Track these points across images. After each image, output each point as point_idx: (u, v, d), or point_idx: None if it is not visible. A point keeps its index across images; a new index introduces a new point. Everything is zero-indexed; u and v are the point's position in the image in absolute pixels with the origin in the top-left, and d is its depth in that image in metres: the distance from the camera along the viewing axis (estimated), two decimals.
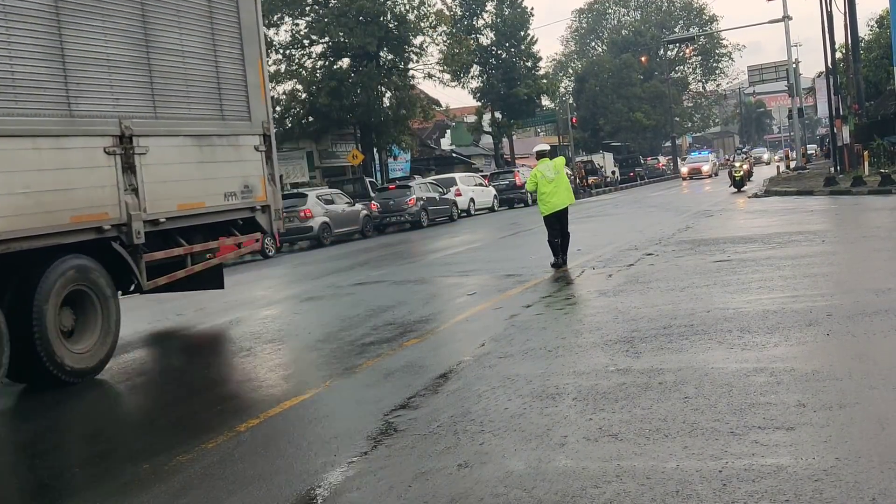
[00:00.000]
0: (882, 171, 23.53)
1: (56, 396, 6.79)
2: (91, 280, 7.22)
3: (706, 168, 49.67)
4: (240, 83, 9.33)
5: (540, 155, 12.26)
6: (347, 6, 35.80)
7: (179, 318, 11.28)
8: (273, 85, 38.03)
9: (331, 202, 24.57)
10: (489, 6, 49.54)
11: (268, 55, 38.00)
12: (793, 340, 6.06)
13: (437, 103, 48.40)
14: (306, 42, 38.38)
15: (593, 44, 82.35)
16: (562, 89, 68.72)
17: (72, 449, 5.68)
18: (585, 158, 52.70)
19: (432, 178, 34.45)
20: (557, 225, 11.90)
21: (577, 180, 39.34)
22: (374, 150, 40.16)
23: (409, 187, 27.83)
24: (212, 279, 9.70)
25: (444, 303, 10.13)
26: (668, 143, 71.95)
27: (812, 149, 51.96)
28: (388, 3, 37.22)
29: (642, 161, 60.84)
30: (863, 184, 22.07)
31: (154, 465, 4.74)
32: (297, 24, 38.15)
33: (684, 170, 49.79)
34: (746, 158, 39.90)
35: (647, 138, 72.35)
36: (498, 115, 49.96)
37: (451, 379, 6.04)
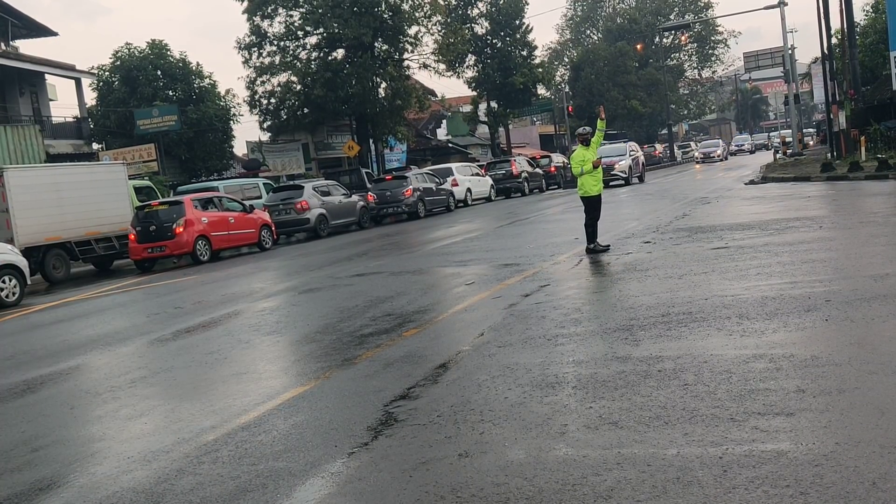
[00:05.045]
0: (879, 156, 23.53)
1: None
2: None
3: None
4: None
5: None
6: None
7: (177, 310, 11.28)
8: (268, 77, 37.98)
9: (327, 194, 24.54)
10: None
11: (262, 47, 38.12)
12: (792, 326, 6.06)
13: (433, 93, 48.36)
14: (301, 33, 38.25)
15: (588, 32, 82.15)
16: (557, 78, 68.63)
17: None
18: None
19: (429, 168, 34.38)
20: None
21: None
22: (371, 141, 40.11)
23: (406, 178, 27.78)
24: None
25: (442, 293, 10.13)
26: (665, 131, 71.87)
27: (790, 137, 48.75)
28: None
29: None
30: (860, 169, 22.09)
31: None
32: (291, 16, 38.02)
33: None
34: None
35: (643, 126, 72.28)
36: (494, 104, 49.90)
37: (450, 369, 6.04)
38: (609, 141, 37.64)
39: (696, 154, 58.47)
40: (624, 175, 33.35)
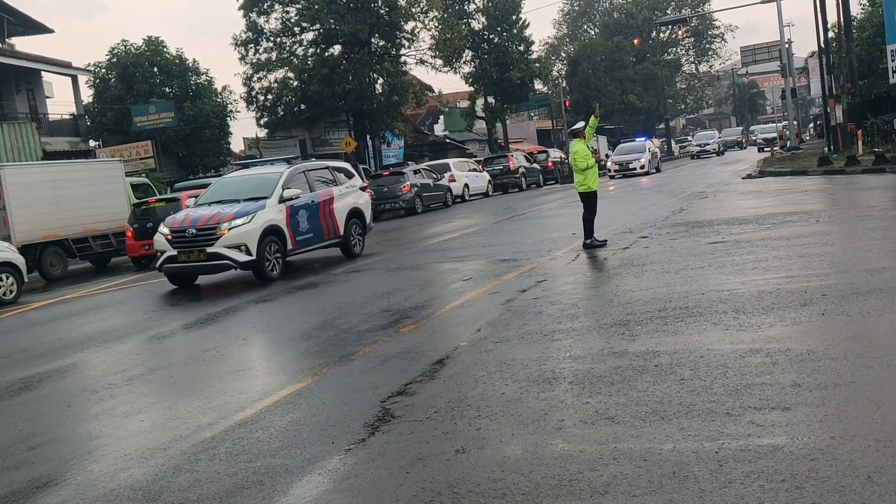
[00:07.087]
0: (876, 150, 23.56)
1: None
2: None
3: None
4: None
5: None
6: None
7: (175, 307, 11.28)
8: (264, 73, 37.94)
9: None
10: None
11: (258, 43, 38.06)
12: (788, 321, 6.07)
13: (430, 89, 48.35)
14: (297, 29, 38.20)
15: (585, 27, 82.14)
16: (555, 73, 68.57)
17: None
18: None
19: (426, 164, 34.34)
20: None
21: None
22: (368, 136, 40.07)
23: (403, 174, 27.76)
24: None
25: (439, 289, 10.14)
26: (662, 126, 71.89)
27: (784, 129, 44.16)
28: None
29: None
30: (857, 163, 22.08)
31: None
32: (287, 12, 37.96)
33: None
34: None
35: (640, 121, 72.20)
36: (491, 99, 49.85)
37: (447, 365, 6.04)
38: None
39: (609, 164, 37.78)
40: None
